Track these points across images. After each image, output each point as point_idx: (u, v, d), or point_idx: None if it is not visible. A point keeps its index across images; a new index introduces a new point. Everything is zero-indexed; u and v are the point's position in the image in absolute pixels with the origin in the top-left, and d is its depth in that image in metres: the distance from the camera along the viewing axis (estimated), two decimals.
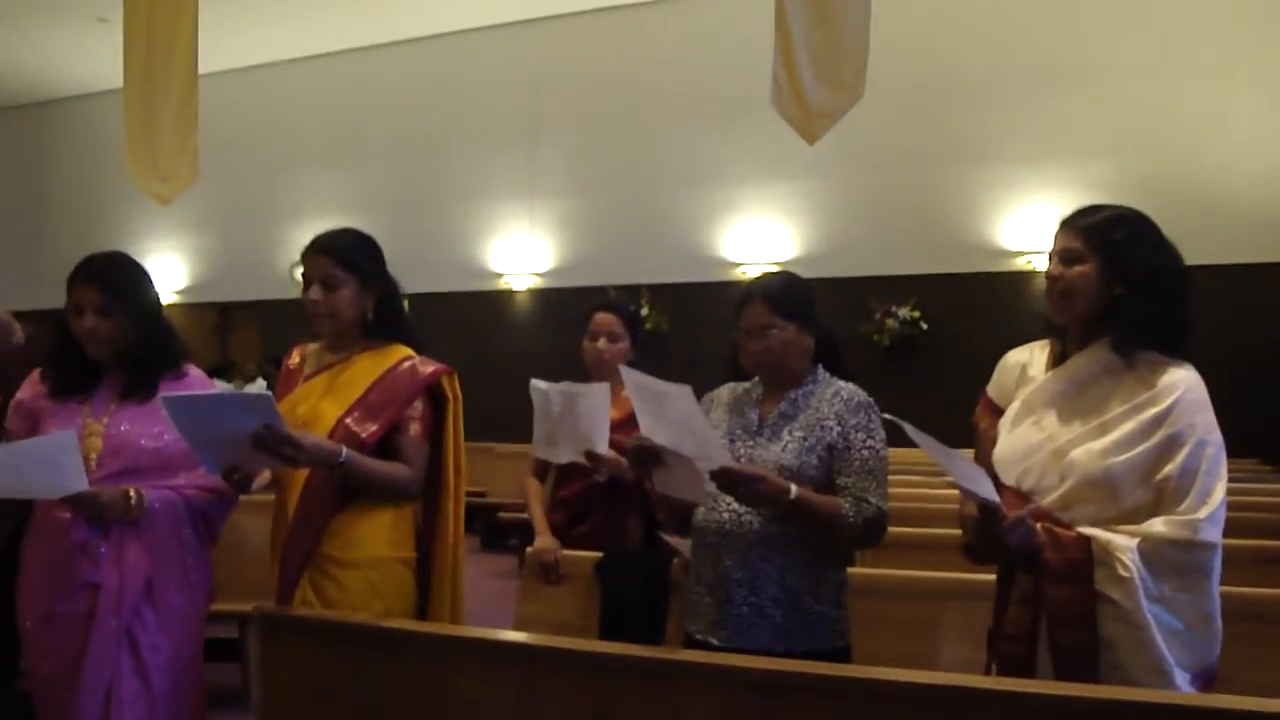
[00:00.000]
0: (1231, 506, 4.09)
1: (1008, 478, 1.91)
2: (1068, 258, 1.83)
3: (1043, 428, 1.86)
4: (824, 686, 1.68)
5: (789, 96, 4.82)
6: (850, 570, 2.21)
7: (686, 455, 1.89)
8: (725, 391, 2.32)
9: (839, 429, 2.09)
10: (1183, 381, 1.76)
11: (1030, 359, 1.99)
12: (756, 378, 2.27)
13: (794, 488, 1.95)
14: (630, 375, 1.95)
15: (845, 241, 9.00)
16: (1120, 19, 8.17)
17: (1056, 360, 1.92)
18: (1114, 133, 8.13)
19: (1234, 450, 6.87)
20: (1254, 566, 3.08)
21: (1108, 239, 1.80)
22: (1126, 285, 1.79)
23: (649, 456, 1.95)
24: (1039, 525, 1.76)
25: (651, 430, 1.95)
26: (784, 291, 2.15)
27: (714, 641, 2.08)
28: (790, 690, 1.69)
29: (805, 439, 2.09)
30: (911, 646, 2.65)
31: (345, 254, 2.27)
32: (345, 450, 2.10)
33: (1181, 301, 1.82)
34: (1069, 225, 1.86)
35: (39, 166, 13.49)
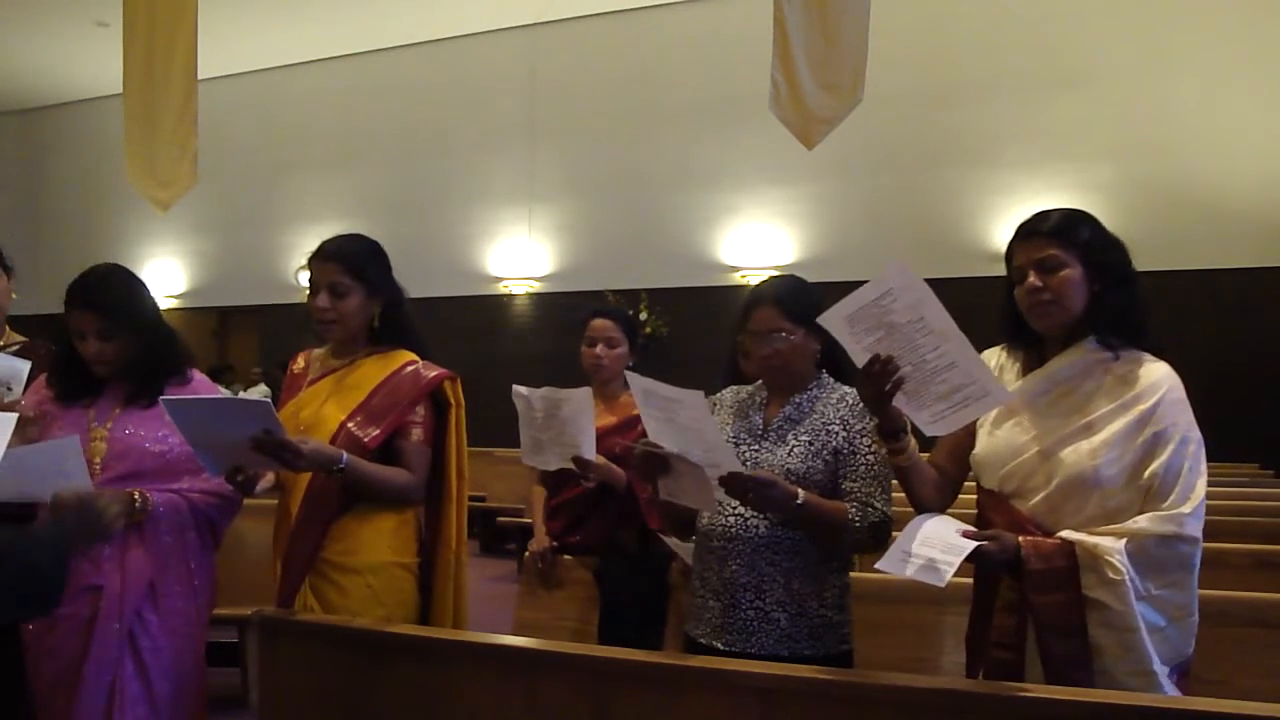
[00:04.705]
0: (1233, 511, 4.09)
1: (989, 480, 1.90)
2: (1048, 266, 1.82)
3: (1026, 429, 1.85)
4: (825, 692, 1.68)
5: (788, 101, 4.81)
6: (852, 575, 2.20)
7: (695, 462, 1.87)
8: (728, 394, 2.31)
9: (844, 434, 2.08)
10: (1165, 380, 1.78)
11: (1005, 361, 1.98)
12: (759, 380, 2.26)
13: (801, 493, 1.94)
14: (638, 381, 1.93)
15: (844, 246, 9.00)
16: (1119, 23, 8.20)
17: (1028, 368, 1.92)
18: (1113, 137, 8.15)
19: (1235, 455, 6.85)
20: (1254, 571, 3.08)
21: (1080, 239, 1.82)
22: (1103, 281, 1.82)
23: (655, 464, 1.94)
24: (1021, 539, 1.75)
25: (658, 436, 1.93)
26: (794, 295, 2.14)
27: (719, 646, 2.07)
28: (791, 695, 1.69)
29: (811, 444, 2.08)
30: (912, 651, 2.66)
31: (353, 262, 2.27)
32: (346, 455, 2.10)
33: (1139, 291, 1.86)
34: (1037, 234, 1.85)
35: (39, 171, 13.51)
